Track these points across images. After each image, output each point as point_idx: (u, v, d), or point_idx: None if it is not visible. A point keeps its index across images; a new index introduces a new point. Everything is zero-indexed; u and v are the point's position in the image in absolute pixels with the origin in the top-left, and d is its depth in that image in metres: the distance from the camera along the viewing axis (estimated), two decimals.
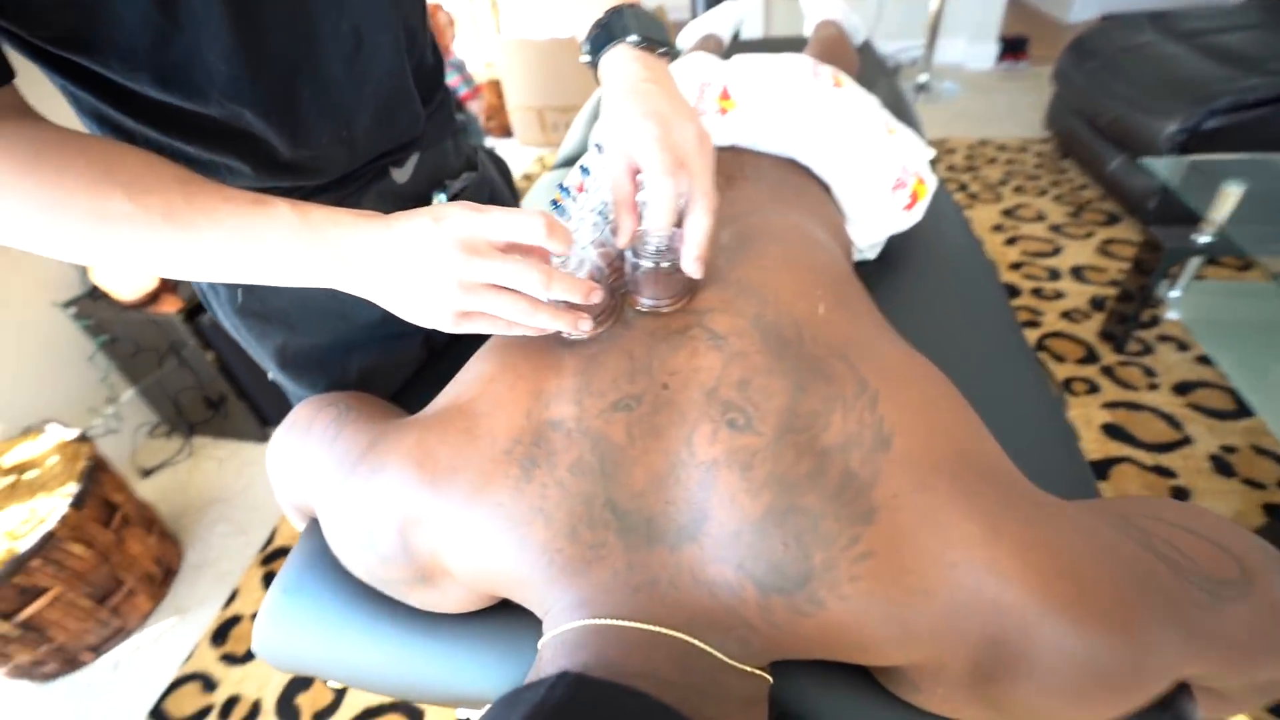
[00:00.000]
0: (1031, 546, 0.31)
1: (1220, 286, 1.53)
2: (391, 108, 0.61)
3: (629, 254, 0.45)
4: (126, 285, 1.36)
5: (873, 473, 0.35)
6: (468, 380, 0.47)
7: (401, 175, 0.69)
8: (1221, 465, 1.21)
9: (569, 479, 0.38)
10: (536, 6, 2.99)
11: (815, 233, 0.56)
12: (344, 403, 0.54)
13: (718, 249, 0.52)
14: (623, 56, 0.48)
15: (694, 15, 2.76)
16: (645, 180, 0.43)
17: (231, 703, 1.10)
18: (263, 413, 1.60)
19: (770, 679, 0.38)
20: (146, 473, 1.57)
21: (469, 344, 0.55)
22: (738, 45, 1.65)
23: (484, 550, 0.39)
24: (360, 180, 0.64)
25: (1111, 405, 1.35)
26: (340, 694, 1.08)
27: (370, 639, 0.50)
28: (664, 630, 0.33)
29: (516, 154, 3.04)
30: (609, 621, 0.34)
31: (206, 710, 1.09)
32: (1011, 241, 1.89)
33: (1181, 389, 1.37)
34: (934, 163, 0.92)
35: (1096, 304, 1.62)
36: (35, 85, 0.45)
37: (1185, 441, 1.26)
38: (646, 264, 0.44)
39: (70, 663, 1.19)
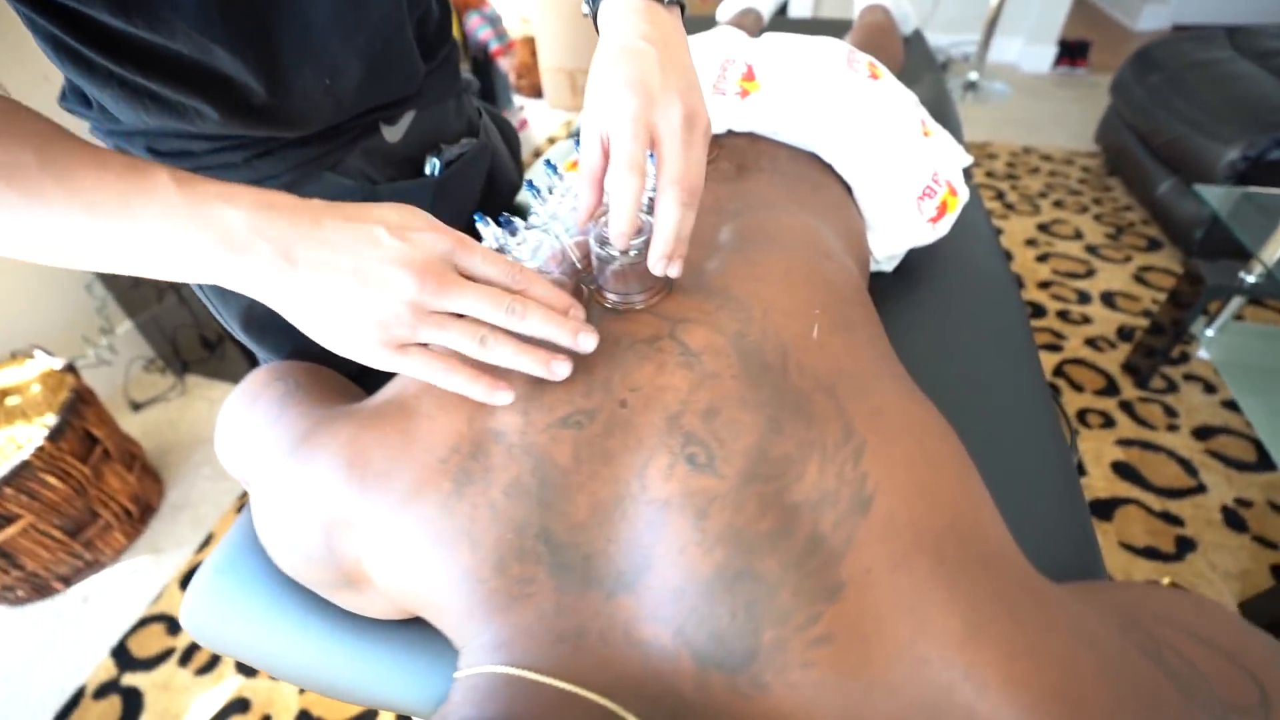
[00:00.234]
0: (1020, 654, 0.26)
1: (1259, 330, 1.45)
2: (385, 61, 0.56)
3: (592, 241, 0.40)
4: None
5: (845, 540, 0.30)
6: None
7: (393, 134, 0.64)
8: (1233, 519, 1.15)
9: (502, 501, 0.34)
10: None
11: (826, 239, 0.50)
12: (294, 377, 0.50)
13: (712, 247, 0.47)
14: (623, 6, 0.41)
15: None
16: (610, 170, 0.38)
17: (192, 649, 1.09)
18: (257, 359, 1.57)
19: None
20: (137, 406, 1.56)
21: None
22: (780, 24, 1.56)
23: (405, 566, 0.36)
24: (346, 135, 0.59)
25: (1125, 443, 1.29)
26: None
27: (297, 631, 0.46)
28: (583, 693, 0.29)
29: (544, 116, 2.96)
30: (525, 674, 0.30)
31: (168, 653, 1.09)
32: (1044, 258, 1.81)
33: (1202, 433, 1.30)
34: (969, 170, 0.85)
35: (1124, 334, 1.55)
36: None
37: (1199, 489, 1.20)
38: (613, 255, 0.40)
39: (40, 590, 1.19)
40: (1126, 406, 1.37)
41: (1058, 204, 2.05)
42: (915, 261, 0.74)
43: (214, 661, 1.07)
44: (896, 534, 0.30)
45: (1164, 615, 0.31)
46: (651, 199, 0.39)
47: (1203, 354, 1.33)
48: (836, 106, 0.61)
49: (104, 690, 1.05)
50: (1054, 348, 1.52)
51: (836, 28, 1.48)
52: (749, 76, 0.63)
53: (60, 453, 1.11)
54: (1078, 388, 1.42)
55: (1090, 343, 1.53)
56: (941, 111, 1.16)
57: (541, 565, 0.32)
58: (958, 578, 0.29)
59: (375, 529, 0.37)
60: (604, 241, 0.40)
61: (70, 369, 1.21)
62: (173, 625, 1.13)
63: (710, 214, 0.51)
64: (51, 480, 1.10)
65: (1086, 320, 1.59)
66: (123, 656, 1.09)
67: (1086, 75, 2.99)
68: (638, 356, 0.38)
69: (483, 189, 0.73)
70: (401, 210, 0.36)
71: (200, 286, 0.59)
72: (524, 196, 0.46)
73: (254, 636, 0.47)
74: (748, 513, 0.31)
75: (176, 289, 1.43)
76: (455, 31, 2.42)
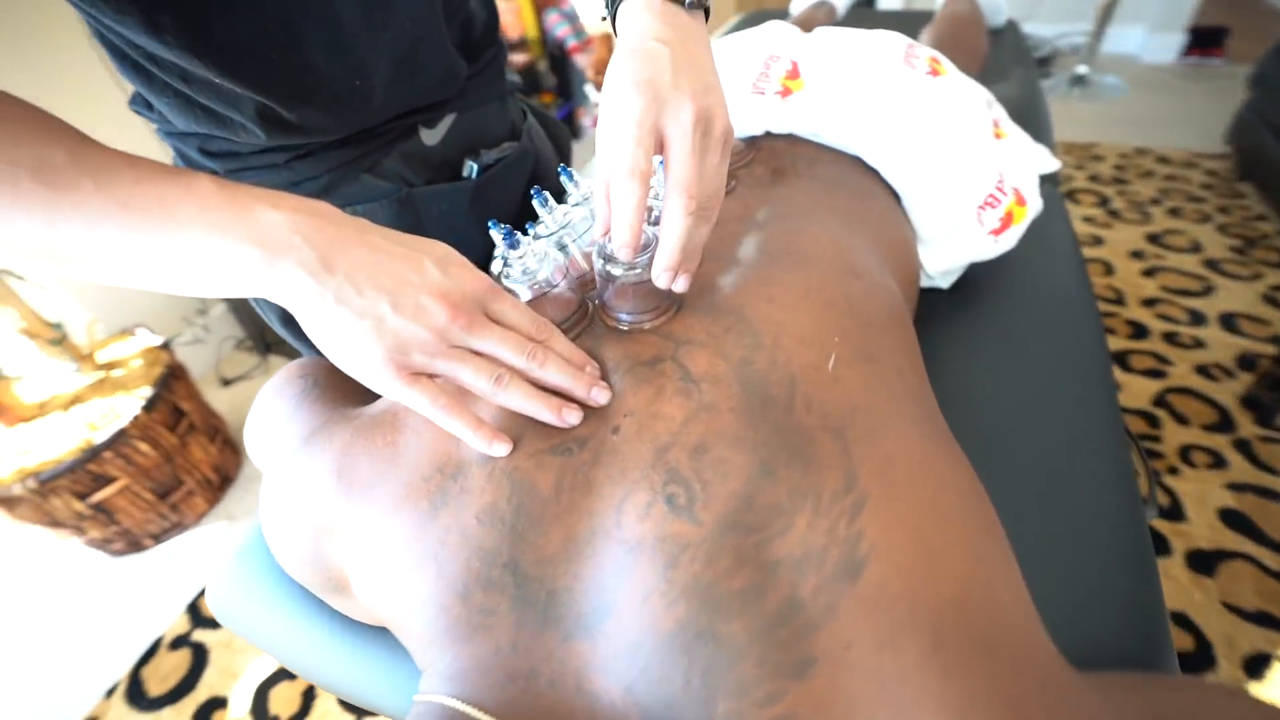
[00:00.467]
0: None
1: None
2: (415, 61, 0.57)
3: (596, 256, 0.38)
4: None
5: (825, 609, 0.27)
6: None
7: (432, 137, 0.64)
8: None
9: (474, 527, 0.33)
10: None
11: (860, 254, 0.46)
12: (316, 375, 0.52)
13: (730, 260, 0.44)
14: (639, 8, 0.39)
15: None
16: (611, 176, 0.36)
17: None
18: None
19: None
20: (226, 382, 1.69)
21: None
22: (860, 17, 1.48)
23: (378, 581, 0.35)
24: (384, 137, 0.60)
25: (1238, 487, 1.14)
26: None
27: (306, 625, 0.48)
28: None
29: None
30: (471, 711, 0.28)
31: None
32: (1151, 273, 1.62)
33: None
34: (1059, 176, 0.77)
35: (1246, 362, 1.36)
36: None
37: None
38: (615, 270, 0.37)
39: (134, 545, 1.31)
40: (1243, 446, 1.20)
41: (1173, 212, 1.83)
42: (976, 277, 0.68)
43: None
44: (888, 607, 0.26)
45: (1217, 713, 0.26)
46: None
47: None
48: (885, 106, 0.56)
49: (178, 642, 1.15)
50: (1156, 373, 1.36)
51: (925, 20, 1.38)
52: (793, 74, 0.60)
53: (152, 422, 1.22)
54: (1182, 420, 1.26)
55: (1202, 370, 1.36)
56: (1030, 111, 1.06)
57: (505, 596, 0.31)
58: (954, 667, 0.25)
59: (356, 539, 0.37)
60: (608, 257, 0.38)
61: (165, 346, 1.33)
62: None
63: (734, 222, 0.49)
64: (144, 447, 1.21)
65: (1199, 344, 1.42)
66: (195, 613, 1.18)
67: (1223, 65, 2.66)
68: (636, 379, 0.36)
69: (524, 193, 0.73)
70: (448, 249, 0.37)
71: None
72: (534, 204, 0.45)
73: (265, 624, 0.49)
74: (720, 567, 0.28)
75: None
76: (532, 30, 2.47)
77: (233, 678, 1.08)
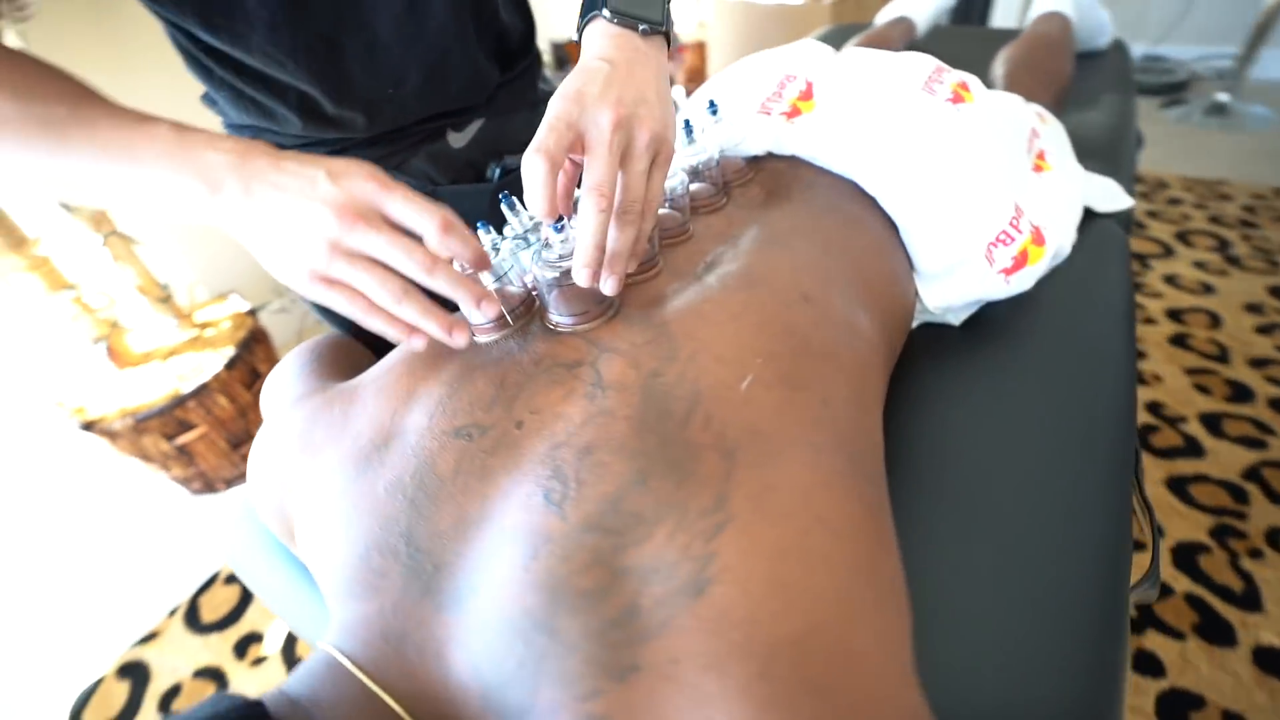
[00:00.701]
0: None
1: None
2: (445, 69, 0.61)
3: (534, 263, 0.40)
4: None
5: (661, 622, 0.27)
6: (388, 357, 0.46)
7: (459, 140, 0.69)
8: None
9: (382, 496, 0.36)
10: None
11: (823, 281, 0.45)
12: (319, 350, 0.57)
13: (686, 277, 0.45)
14: (596, 31, 0.43)
15: None
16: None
17: None
18: None
19: None
20: None
21: None
22: (942, 35, 1.41)
23: (308, 533, 0.39)
24: (412, 139, 0.65)
25: None
26: None
27: (289, 575, 0.53)
28: (384, 696, 0.30)
29: None
30: (346, 663, 0.31)
31: None
32: (1267, 330, 1.44)
33: None
34: (1136, 214, 0.71)
35: None
36: None
37: None
38: (548, 275, 0.39)
39: (208, 486, 1.46)
40: None
41: None
42: (996, 317, 0.63)
43: None
44: (724, 630, 0.26)
45: None
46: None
47: None
48: (887, 132, 0.54)
49: (231, 579, 1.27)
50: (1254, 443, 1.21)
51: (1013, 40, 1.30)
52: (806, 95, 0.59)
53: (232, 380, 1.35)
54: (1276, 499, 1.11)
55: None
56: (1113, 141, 0.98)
57: (398, 563, 0.34)
58: (776, 700, 0.25)
59: (303, 494, 0.40)
60: (540, 260, 0.40)
61: (252, 313, 1.47)
62: None
63: (710, 239, 0.49)
64: (223, 401, 1.35)
65: None
66: None
67: None
68: (550, 380, 0.38)
69: None
70: (349, 161, 0.38)
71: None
72: (503, 208, 0.48)
73: (260, 572, 0.55)
74: (574, 564, 0.29)
75: None
76: None
77: (270, 618, 1.19)
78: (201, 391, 1.30)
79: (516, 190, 0.72)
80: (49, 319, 1.28)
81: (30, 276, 1.20)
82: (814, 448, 0.34)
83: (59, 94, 0.38)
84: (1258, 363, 1.37)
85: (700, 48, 3.01)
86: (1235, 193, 1.91)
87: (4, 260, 1.17)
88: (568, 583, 0.29)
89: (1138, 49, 2.62)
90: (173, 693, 1.08)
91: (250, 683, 1.07)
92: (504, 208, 0.47)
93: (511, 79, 0.71)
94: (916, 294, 0.58)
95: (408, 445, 0.37)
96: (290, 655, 1.11)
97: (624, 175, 0.38)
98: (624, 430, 0.34)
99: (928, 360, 0.61)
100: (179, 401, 1.28)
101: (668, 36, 0.44)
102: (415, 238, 0.38)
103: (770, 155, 0.58)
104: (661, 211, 0.49)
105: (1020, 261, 0.55)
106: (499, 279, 0.42)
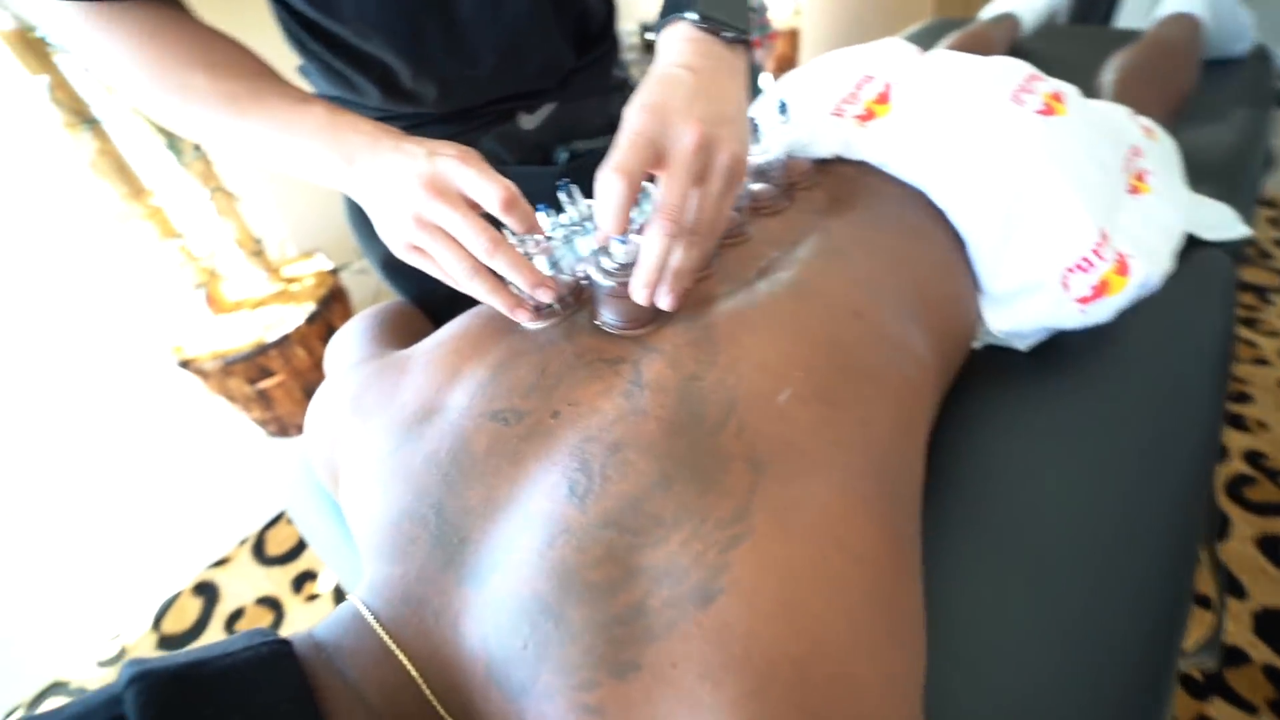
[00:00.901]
0: None
1: None
2: (521, 51, 0.62)
3: (590, 264, 0.41)
4: None
5: (666, 625, 0.28)
6: (440, 331, 0.48)
7: (530, 122, 0.70)
8: None
9: (419, 468, 0.38)
10: None
11: (877, 297, 0.44)
12: (383, 317, 0.60)
13: (738, 281, 0.45)
14: (676, 36, 0.42)
15: None
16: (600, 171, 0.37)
17: None
18: None
19: None
20: None
21: None
22: (1058, 33, 1.31)
23: (350, 490, 0.41)
24: (483, 119, 0.67)
25: None
26: None
27: (335, 526, 0.57)
28: (399, 654, 0.32)
29: None
30: (369, 619, 0.33)
31: None
32: None
33: None
34: (1256, 242, 0.65)
35: None
36: None
37: None
38: (604, 282, 0.40)
39: (283, 430, 1.58)
40: None
41: None
42: (1069, 345, 0.60)
43: None
44: (726, 643, 0.27)
45: None
46: None
47: None
48: (965, 142, 0.51)
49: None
50: None
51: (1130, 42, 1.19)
52: (882, 98, 0.56)
53: (310, 334, 1.45)
54: None
55: None
56: (1235, 161, 0.89)
57: (427, 532, 0.36)
58: (766, 718, 0.25)
59: (350, 452, 0.43)
60: (600, 266, 0.40)
61: (334, 272, 1.56)
62: None
63: (765, 244, 0.48)
64: (301, 353, 1.44)
65: None
66: None
67: None
68: (591, 374, 0.39)
69: None
70: (452, 144, 0.42)
71: (355, 227, 0.72)
72: (560, 195, 0.49)
73: (318, 525, 0.59)
74: (590, 556, 0.30)
75: None
76: None
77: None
78: (283, 342, 1.40)
79: (581, 175, 0.73)
80: (158, 264, 1.40)
81: (146, 224, 1.31)
82: (845, 470, 0.34)
83: (242, 72, 0.45)
84: None
85: (793, 35, 2.91)
86: None
87: (125, 207, 1.29)
88: (579, 573, 0.30)
89: None
90: (236, 615, 1.18)
91: (303, 616, 1.16)
92: (561, 195, 0.48)
93: (587, 64, 0.71)
94: (980, 315, 0.55)
95: (447, 421, 0.39)
96: (340, 596, 1.19)
97: (699, 196, 0.38)
98: (654, 430, 0.34)
99: (987, 384, 0.58)
100: (262, 350, 1.38)
101: (747, 43, 0.43)
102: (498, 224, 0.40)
103: (839, 159, 0.56)
104: None
105: (1099, 291, 0.51)
106: (554, 265, 0.43)
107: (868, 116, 0.56)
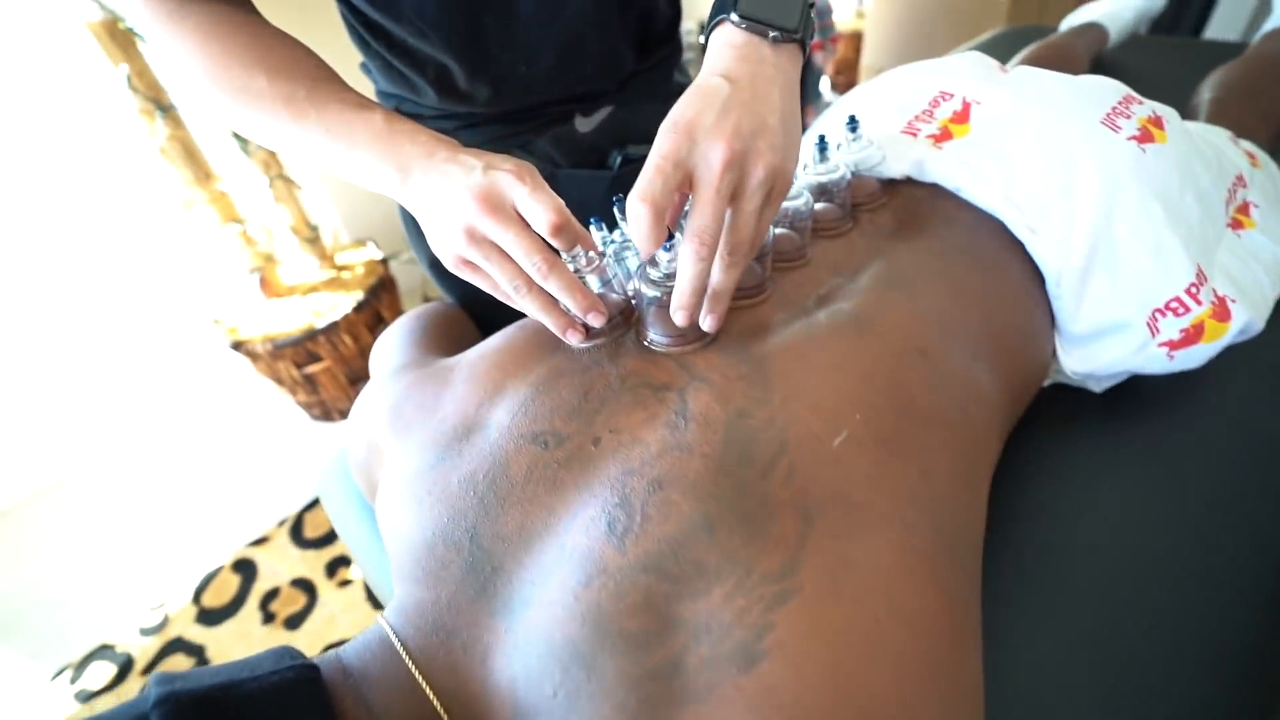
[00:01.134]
0: None
1: None
2: (579, 50, 0.60)
3: (637, 277, 0.39)
4: None
5: (706, 686, 0.26)
6: (484, 344, 0.47)
7: (586, 125, 0.69)
8: None
9: (455, 489, 0.37)
10: None
11: (944, 335, 0.41)
12: (427, 321, 0.60)
13: (796, 308, 0.42)
14: (719, 40, 0.39)
15: None
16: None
17: None
18: None
19: None
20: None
21: None
22: (1145, 46, 1.23)
23: (385, 504, 0.41)
24: (539, 120, 0.66)
25: None
26: None
27: (369, 531, 0.57)
28: (425, 687, 0.31)
29: None
30: (397, 644, 0.32)
31: None
32: None
33: None
34: None
35: None
36: None
37: None
38: (650, 293, 0.38)
39: (327, 415, 1.61)
40: None
41: None
42: (1148, 387, 0.55)
43: None
44: (767, 711, 0.25)
45: None
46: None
47: None
48: (1049, 169, 0.47)
49: None
50: None
51: (1232, 56, 1.10)
52: (960, 117, 0.53)
53: (358, 321, 1.47)
54: None
55: None
56: None
57: (460, 557, 0.35)
58: None
59: (387, 464, 0.43)
60: (644, 276, 0.39)
61: (384, 262, 1.59)
62: None
63: (824, 269, 0.46)
64: (347, 339, 1.47)
65: None
66: None
67: None
68: (635, 400, 0.37)
69: None
70: (508, 158, 0.41)
71: (406, 225, 0.72)
72: (615, 210, 0.47)
73: (348, 521, 0.59)
74: (624, 603, 0.29)
75: None
76: None
77: None
78: (331, 329, 1.43)
79: (633, 182, 0.72)
80: (219, 247, 1.45)
81: (209, 209, 1.36)
82: (904, 525, 0.31)
83: (303, 75, 0.44)
84: None
85: (855, 38, 2.84)
86: None
87: (191, 192, 1.33)
88: (615, 621, 0.28)
89: None
90: (272, 594, 1.21)
91: (335, 600, 1.18)
92: (616, 211, 0.46)
93: (648, 68, 0.70)
94: (1054, 353, 0.52)
95: (487, 441, 0.38)
96: (369, 591, 1.21)
97: (733, 214, 0.36)
98: (700, 469, 0.32)
99: (1055, 426, 0.54)
100: (311, 335, 1.41)
101: (803, 44, 0.39)
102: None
103: (909, 180, 0.53)
104: (778, 232, 0.47)
105: (1192, 337, 0.47)
106: (605, 284, 0.42)
107: (943, 136, 0.52)
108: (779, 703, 0.25)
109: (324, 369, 1.49)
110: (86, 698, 1.08)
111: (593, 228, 0.51)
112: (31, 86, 1.30)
